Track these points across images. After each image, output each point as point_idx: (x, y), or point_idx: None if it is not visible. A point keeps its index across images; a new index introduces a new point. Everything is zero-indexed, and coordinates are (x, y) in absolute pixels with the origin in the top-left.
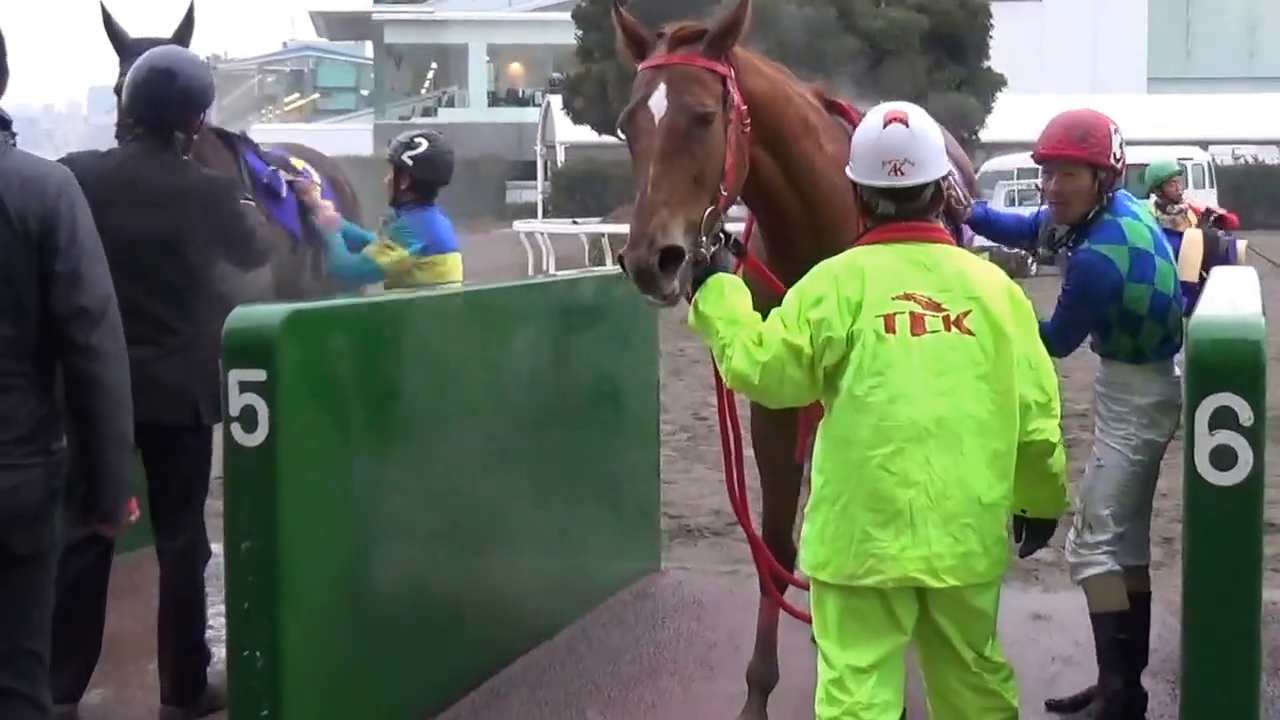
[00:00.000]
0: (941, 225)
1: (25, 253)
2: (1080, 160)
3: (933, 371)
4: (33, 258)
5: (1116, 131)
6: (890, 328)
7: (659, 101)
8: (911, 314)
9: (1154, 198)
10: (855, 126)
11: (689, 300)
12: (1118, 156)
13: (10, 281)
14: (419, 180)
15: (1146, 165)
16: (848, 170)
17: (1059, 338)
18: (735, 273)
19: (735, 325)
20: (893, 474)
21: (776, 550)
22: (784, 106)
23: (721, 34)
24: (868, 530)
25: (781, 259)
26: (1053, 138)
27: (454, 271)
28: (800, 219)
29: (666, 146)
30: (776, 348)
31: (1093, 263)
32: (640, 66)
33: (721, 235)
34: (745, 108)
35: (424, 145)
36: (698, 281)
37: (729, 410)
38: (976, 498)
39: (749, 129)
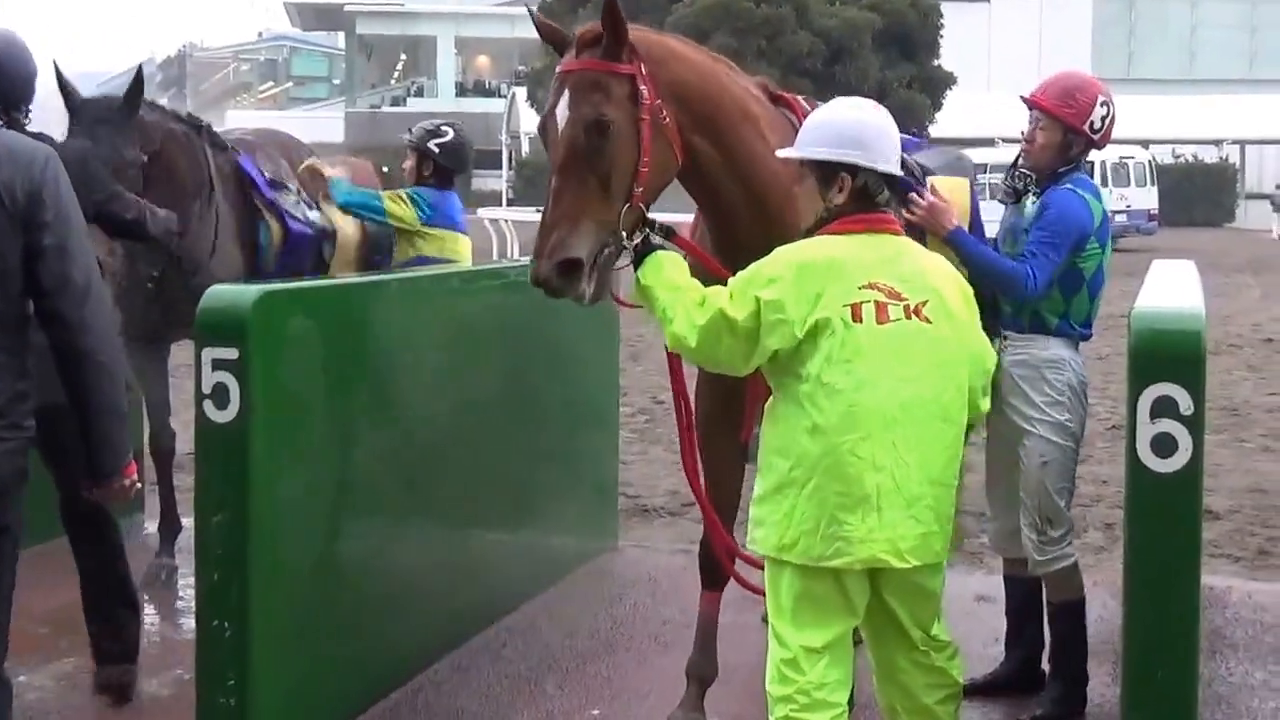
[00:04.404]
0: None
1: (11, 227)
2: (1054, 116)
3: (897, 359)
4: (18, 232)
5: (1105, 104)
6: (857, 316)
7: (563, 111)
8: (876, 303)
9: None
10: (801, 119)
11: (617, 299)
12: (1096, 127)
13: None
14: (441, 167)
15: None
16: (853, 158)
17: (1043, 273)
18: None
19: (676, 291)
20: (861, 458)
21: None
22: (719, 95)
23: (604, 34)
24: (835, 514)
25: (727, 250)
26: (1044, 87)
27: (458, 251)
28: (743, 208)
29: (567, 159)
30: (714, 315)
31: (1070, 199)
32: (556, 70)
33: (648, 227)
34: (659, 102)
35: (450, 134)
36: (638, 260)
37: (680, 384)
38: (936, 479)
39: (669, 121)
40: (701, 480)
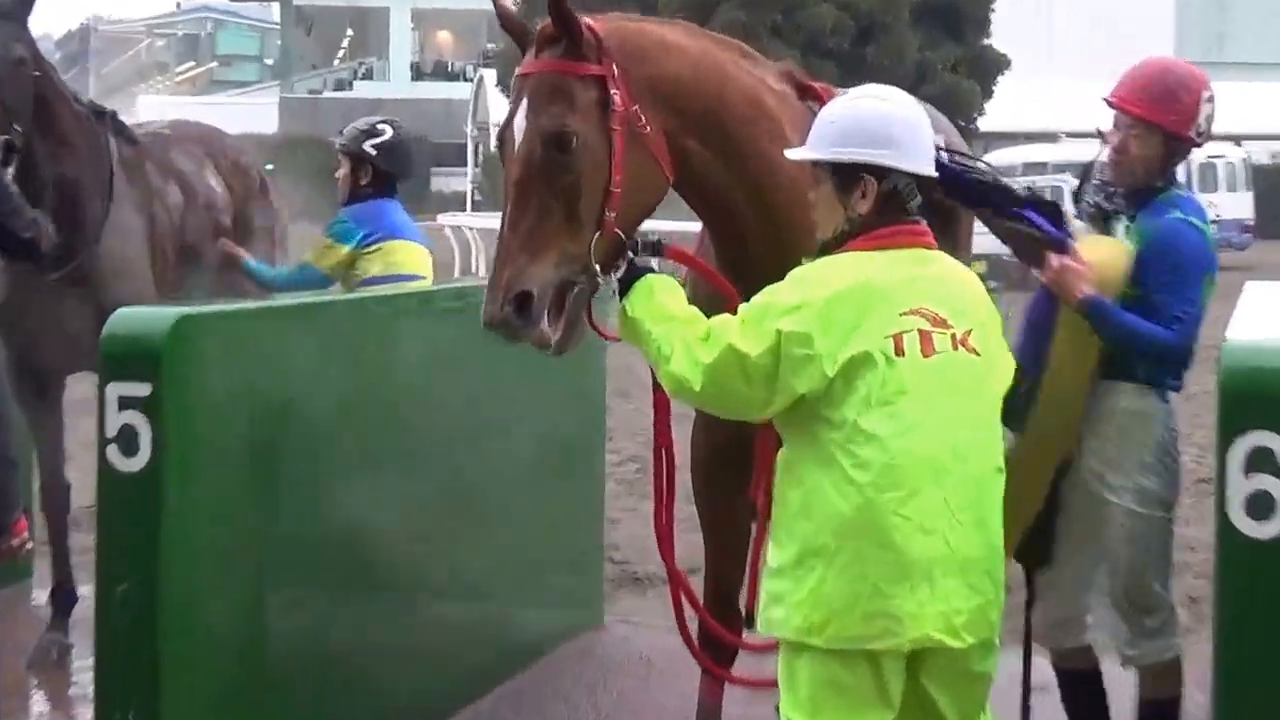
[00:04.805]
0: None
1: None
2: (1154, 124)
3: (946, 398)
4: None
5: (1210, 99)
6: (899, 349)
7: (520, 121)
8: (920, 332)
9: None
10: None
11: (600, 331)
12: (1202, 130)
13: None
14: (381, 172)
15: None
16: (879, 158)
17: (1193, 337)
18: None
19: (670, 323)
20: (908, 519)
21: (721, 613)
22: (719, 90)
23: (562, 33)
24: (879, 586)
25: (736, 273)
26: (1132, 86)
27: (409, 261)
28: (752, 221)
29: (523, 179)
30: (722, 351)
31: (1188, 235)
32: (515, 73)
33: (630, 251)
34: (637, 107)
35: (388, 132)
36: (624, 286)
37: (664, 426)
38: (992, 540)
39: (650, 129)
40: (698, 554)
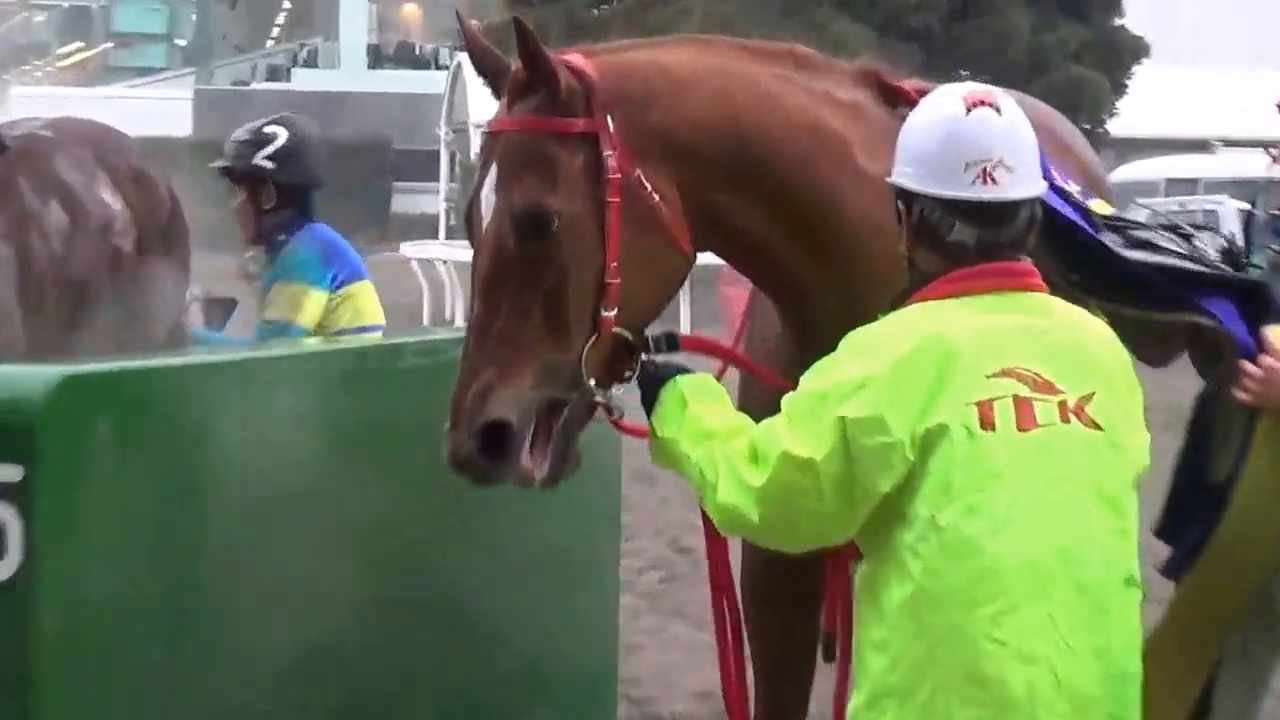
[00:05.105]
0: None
1: None
2: None
3: (1050, 482)
4: None
5: None
6: (986, 421)
7: (488, 195)
8: (1015, 398)
9: None
10: None
11: (615, 423)
12: None
13: None
14: (288, 188)
15: None
16: (902, 178)
17: None
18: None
19: (710, 441)
20: (1003, 644)
21: None
22: (756, 117)
23: (536, 80)
24: None
25: (802, 341)
26: None
27: (372, 308)
28: (818, 279)
29: (493, 272)
30: (776, 464)
31: None
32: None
33: (643, 350)
34: (640, 172)
35: (282, 135)
36: (647, 398)
37: (721, 559)
38: (1119, 672)
39: (660, 197)
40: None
